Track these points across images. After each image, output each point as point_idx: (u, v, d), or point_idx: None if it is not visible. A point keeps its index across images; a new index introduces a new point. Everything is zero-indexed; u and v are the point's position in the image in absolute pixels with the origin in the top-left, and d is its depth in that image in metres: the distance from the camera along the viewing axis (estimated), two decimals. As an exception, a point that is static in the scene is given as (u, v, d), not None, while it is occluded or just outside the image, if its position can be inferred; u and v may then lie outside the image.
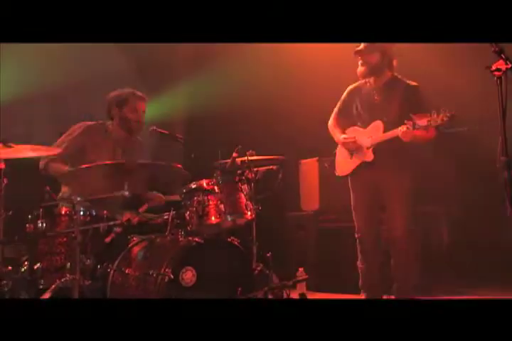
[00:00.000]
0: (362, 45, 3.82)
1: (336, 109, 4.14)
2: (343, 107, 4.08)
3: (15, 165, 3.11)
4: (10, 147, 3.00)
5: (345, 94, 4.08)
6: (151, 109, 5.88)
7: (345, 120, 4.07)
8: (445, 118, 3.34)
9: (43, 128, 5.36)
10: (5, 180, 2.99)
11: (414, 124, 3.46)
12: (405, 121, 3.49)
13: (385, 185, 3.79)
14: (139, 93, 4.00)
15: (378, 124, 3.77)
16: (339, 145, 4.03)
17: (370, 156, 3.77)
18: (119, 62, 5.93)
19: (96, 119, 4.02)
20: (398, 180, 3.76)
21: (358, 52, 3.83)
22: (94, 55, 5.56)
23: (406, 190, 3.77)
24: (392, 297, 3.83)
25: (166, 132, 3.86)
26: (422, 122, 3.43)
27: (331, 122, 4.13)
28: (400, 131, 3.53)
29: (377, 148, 3.74)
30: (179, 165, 3.24)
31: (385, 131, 3.71)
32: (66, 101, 5.60)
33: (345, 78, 4.14)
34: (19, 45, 4.88)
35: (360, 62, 3.87)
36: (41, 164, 3.76)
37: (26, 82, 5.10)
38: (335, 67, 4.86)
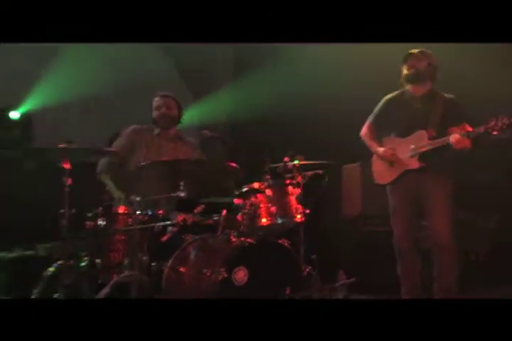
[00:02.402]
0: (414, 50, 3.85)
1: (371, 118, 4.15)
2: (380, 116, 4.10)
3: (78, 166, 3.28)
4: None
5: (382, 103, 4.09)
6: (196, 113, 6.07)
7: (381, 129, 4.09)
8: (504, 126, 3.36)
9: (93, 132, 5.55)
10: (69, 180, 3.16)
11: (468, 132, 3.51)
12: (459, 128, 3.54)
13: (430, 192, 3.80)
14: (160, 92, 4.19)
15: (422, 133, 3.79)
16: (375, 155, 4.10)
17: (414, 164, 3.80)
18: (165, 68, 6.11)
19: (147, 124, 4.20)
20: (443, 187, 3.79)
21: (409, 56, 3.85)
22: (142, 63, 5.76)
23: (450, 197, 3.79)
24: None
25: (217, 136, 3.99)
26: (479, 129, 3.47)
27: (364, 132, 4.16)
28: (453, 137, 3.56)
29: (423, 156, 3.78)
30: (234, 164, 3.35)
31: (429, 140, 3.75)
32: (115, 107, 5.78)
33: (387, 84, 4.16)
34: (75, 53, 5.16)
35: (406, 67, 3.87)
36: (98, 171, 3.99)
37: (78, 88, 5.32)
38: (378, 72, 4.90)
